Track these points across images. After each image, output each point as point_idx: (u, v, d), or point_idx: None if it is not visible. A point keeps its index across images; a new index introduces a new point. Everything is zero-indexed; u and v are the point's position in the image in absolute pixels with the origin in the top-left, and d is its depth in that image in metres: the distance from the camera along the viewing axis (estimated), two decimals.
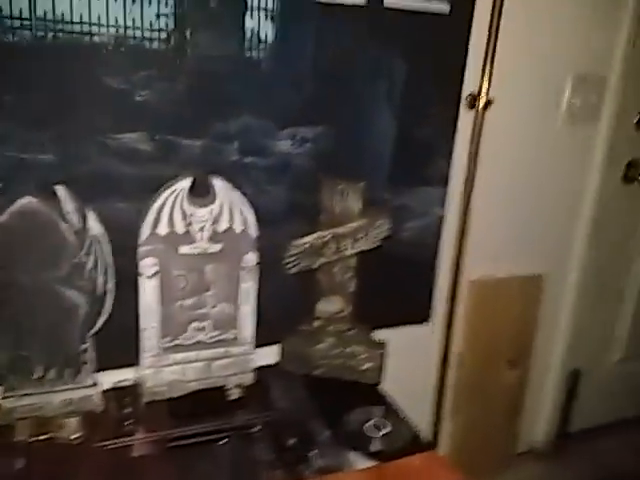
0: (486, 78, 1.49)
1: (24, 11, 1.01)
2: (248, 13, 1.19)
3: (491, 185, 1.60)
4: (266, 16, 1.20)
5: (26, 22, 1.01)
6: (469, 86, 1.49)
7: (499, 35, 1.49)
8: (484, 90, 1.49)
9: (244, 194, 1.19)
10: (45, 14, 1.03)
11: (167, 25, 1.12)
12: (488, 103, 1.51)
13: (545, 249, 1.83)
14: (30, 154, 1.07)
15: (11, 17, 1.00)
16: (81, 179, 1.10)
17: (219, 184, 1.13)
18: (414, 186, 1.49)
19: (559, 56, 1.63)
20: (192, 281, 1.18)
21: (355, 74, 1.34)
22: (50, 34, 1.03)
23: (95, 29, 1.07)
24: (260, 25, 1.20)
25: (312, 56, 1.28)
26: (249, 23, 1.19)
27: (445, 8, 1.38)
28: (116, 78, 1.10)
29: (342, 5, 1.26)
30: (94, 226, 1.07)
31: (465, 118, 1.51)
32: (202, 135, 1.20)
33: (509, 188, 1.65)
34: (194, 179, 1.10)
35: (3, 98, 1.03)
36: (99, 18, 1.06)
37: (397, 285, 1.54)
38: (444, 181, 1.53)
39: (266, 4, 1.20)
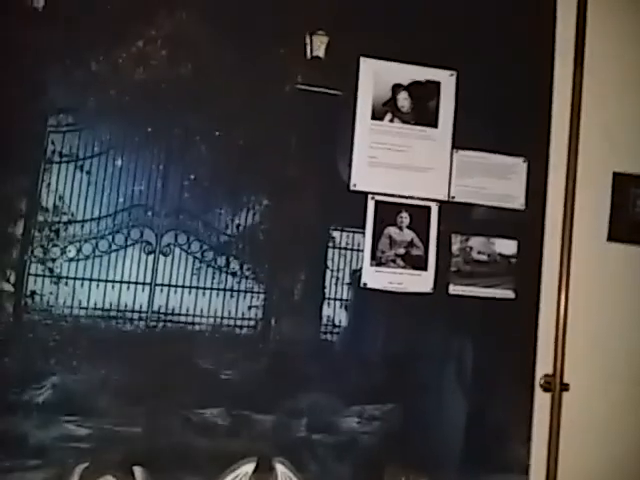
0: (559, 359, 1.49)
1: (143, 306, 1.25)
2: (326, 303, 1.36)
3: (576, 473, 1.47)
4: (341, 305, 1.37)
5: (143, 314, 1.24)
6: (543, 368, 1.49)
7: (568, 313, 1.52)
8: (558, 371, 1.48)
9: (306, 473, 1.21)
10: (159, 308, 1.25)
11: (256, 314, 1.31)
12: (564, 385, 1.48)
13: None
14: (122, 427, 1.21)
15: (132, 311, 1.24)
16: (160, 453, 1.20)
17: (281, 469, 1.17)
18: (490, 473, 1.42)
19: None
20: None
21: (424, 355, 1.42)
22: (160, 324, 1.25)
23: (197, 319, 1.27)
24: (335, 313, 1.36)
25: (382, 338, 1.40)
26: (326, 311, 1.36)
27: (510, 294, 1.47)
28: (207, 359, 1.27)
29: (410, 293, 1.40)
30: None
31: (541, 401, 1.48)
32: (274, 411, 1.30)
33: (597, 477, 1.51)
34: (257, 463, 1.16)
35: (111, 377, 1.21)
36: (202, 310, 1.28)
37: None
38: (524, 469, 1.44)
39: (342, 295, 1.37)
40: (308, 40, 1.36)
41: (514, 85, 1.50)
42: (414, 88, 1.42)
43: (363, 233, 1.39)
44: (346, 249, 1.38)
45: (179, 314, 1.26)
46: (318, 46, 1.36)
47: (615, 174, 1.60)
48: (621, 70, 1.59)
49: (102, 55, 1.22)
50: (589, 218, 1.57)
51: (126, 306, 1.23)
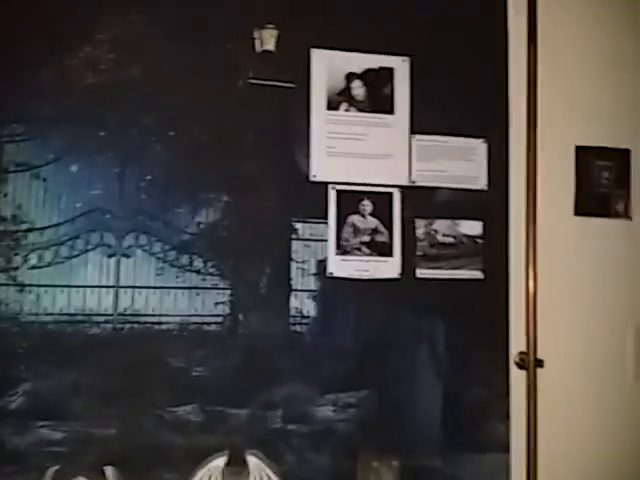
0: (532, 335, 1.49)
1: (108, 309, 1.26)
2: (293, 295, 1.37)
3: (556, 449, 1.48)
4: (308, 296, 1.38)
5: (109, 317, 1.25)
6: (517, 345, 1.50)
7: (538, 289, 1.52)
8: (532, 348, 1.49)
9: (282, 464, 1.22)
10: (125, 310, 1.27)
11: (223, 310, 1.32)
12: (539, 361, 1.49)
13: None
14: (96, 429, 1.22)
15: (98, 314, 1.25)
16: (135, 452, 1.22)
17: (253, 461, 1.18)
18: (470, 453, 1.43)
19: (617, 307, 1.61)
20: None
21: (395, 340, 1.43)
22: (127, 325, 1.26)
23: (164, 319, 1.28)
24: (303, 304, 1.37)
25: (352, 326, 1.41)
26: (294, 303, 1.37)
27: (478, 274, 1.48)
28: (177, 358, 1.28)
29: (377, 280, 1.41)
30: None
31: (517, 378, 1.49)
32: (248, 404, 1.31)
33: (577, 453, 1.51)
34: (229, 456, 1.17)
35: (82, 381, 1.23)
36: (168, 310, 1.29)
37: None
38: (505, 447, 1.45)
39: (309, 286, 1.38)
40: (257, 34, 1.37)
41: (469, 66, 1.50)
42: (368, 76, 1.43)
43: (326, 223, 1.40)
44: (310, 240, 1.39)
45: (145, 315, 1.27)
46: (268, 40, 1.36)
47: (577, 147, 1.61)
48: (575, 43, 1.60)
49: (51, 62, 1.23)
50: (554, 193, 1.57)
51: (91, 310, 1.24)
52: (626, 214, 1.62)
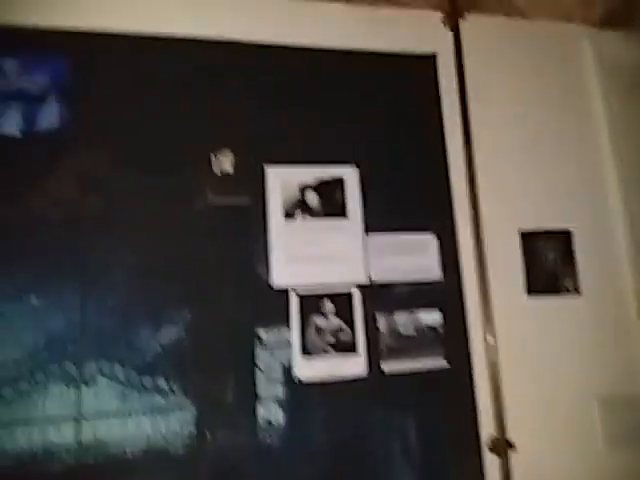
0: (500, 419, 1.52)
1: (70, 441, 1.23)
2: (260, 405, 1.37)
3: None
4: (276, 404, 1.38)
5: (71, 450, 1.22)
6: (487, 430, 1.52)
7: (502, 372, 1.56)
8: (502, 432, 1.51)
9: None
10: (88, 440, 1.24)
11: (190, 430, 1.31)
12: (509, 444, 1.51)
13: None
14: None
15: (59, 447, 1.22)
16: None
17: None
18: None
19: (578, 381, 1.65)
20: None
21: (368, 437, 1.43)
22: (91, 456, 1.23)
23: (129, 445, 1.26)
24: (271, 412, 1.37)
25: (324, 428, 1.41)
26: (262, 413, 1.36)
27: (443, 363, 1.52)
28: None
29: (345, 381, 1.43)
30: None
31: (491, 463, 1.50)
32: None
33: None
34: None
35: None
36: (133, 435, 1.26)
37: None
38: None
39: (276, 394, 1.38)
40: (214, 158, 1.45)
41: (412, 168, 1.61)
42: (320, 185, 1.51)
43: (289, 328, 1.43)
44: (275, 347, 1.40)
45: (109, 443, 1.24)
46: (225, 162, 1.44)
47: (522, 231, 1.71)
48: (506, 138, 1.74)
49: (10, 198, 1.27)
50: (505, 277, 1.66)
51: (53, 443, 1.21)
52: (575, 290, 1.70)
